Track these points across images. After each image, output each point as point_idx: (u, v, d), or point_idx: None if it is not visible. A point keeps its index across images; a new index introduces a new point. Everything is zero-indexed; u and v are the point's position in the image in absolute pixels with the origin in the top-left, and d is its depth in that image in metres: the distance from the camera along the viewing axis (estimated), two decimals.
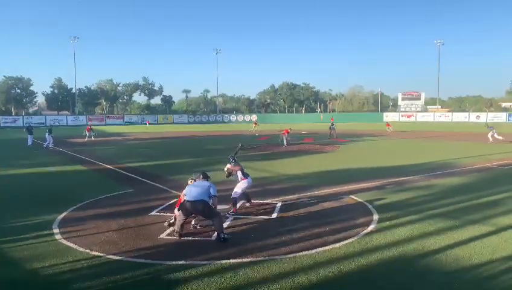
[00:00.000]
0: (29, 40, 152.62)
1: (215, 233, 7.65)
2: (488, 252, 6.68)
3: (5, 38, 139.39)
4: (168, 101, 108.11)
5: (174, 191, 11.72)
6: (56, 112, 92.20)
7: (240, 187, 9.63)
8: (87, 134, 34.19)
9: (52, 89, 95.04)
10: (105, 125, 70.54)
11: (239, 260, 6.39)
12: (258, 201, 10.41)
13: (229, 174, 9.93)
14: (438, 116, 78.58)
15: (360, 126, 49.86)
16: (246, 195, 9.94)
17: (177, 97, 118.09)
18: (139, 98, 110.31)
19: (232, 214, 9.14)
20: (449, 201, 10.41)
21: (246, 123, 77.45)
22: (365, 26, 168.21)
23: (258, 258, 6.46)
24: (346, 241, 7.23)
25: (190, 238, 7.59)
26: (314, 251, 6.77)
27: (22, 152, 25.30)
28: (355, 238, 7.44)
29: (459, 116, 76.70)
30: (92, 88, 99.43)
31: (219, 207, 9.70)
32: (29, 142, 29.58)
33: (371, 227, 8.11)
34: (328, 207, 9.85)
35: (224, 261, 6.34)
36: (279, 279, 5.66)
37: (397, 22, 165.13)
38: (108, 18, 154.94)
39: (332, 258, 6.47)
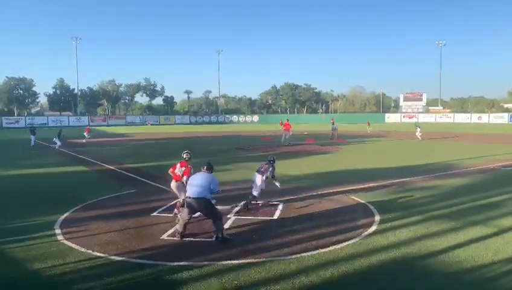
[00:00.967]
0: (31, 41, 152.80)
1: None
2: (490, 253, 6.66)
3: (7, 39, 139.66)
4: (169, 101, 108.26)
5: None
6: (58, 113, 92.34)
7: (261, 186, 10.12)
8: (87, 135, 34.36)
9: (54, 90, 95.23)
10: (107, 126, 70.66)
11: (241, 261, 6.39)
12: (259, 202, 10.41)
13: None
14: (440, 117, 78.46)
15: (362, 127, 49.76)
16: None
17: (179, 98, 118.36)
18: (141, 98, 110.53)
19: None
20: (451, 202, 10.39)
21: (247, 124, 77.51)
22: (366, 27, 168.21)
23: (259, 259, 6.45)
24: (348, 243, 7.22)
25: (191, 239, 7.60)
26: (316, 252, 6.76)
27: (24, 153, 25.37)
28: (357, 239, 7.44)
29: (461, 117, 76.59)
30: (94, 89, 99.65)
31: (219, 207, 9.72)
32: (32, 143, 29.64)
33: (373, 228, 8.11)
34: (330, 208, 9.85)
35: (225, 262, 6.34)
36: (281, 280, 5.66)
37: (398, 23, 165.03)
38: (110, 18, 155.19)
39: (334, 259, 6.46)
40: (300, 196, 11.15)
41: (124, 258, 6.59)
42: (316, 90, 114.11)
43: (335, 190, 11.90)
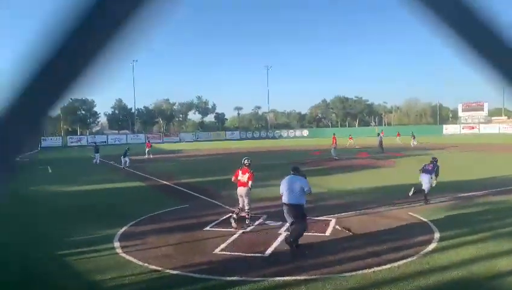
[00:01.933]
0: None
1: (269, 249, 7.67)
2: None
3: None
4: (220, 118, 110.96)
5: (228, 207, 11.87)
6: (117, 131, 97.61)
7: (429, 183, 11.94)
8: (148, 150, 35.49)
9: (113, 110, 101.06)
10: (162, 143, 73.49)
11: (293, 278, 6.31)
12: (311, 217, 10.26)
13: None
14: (504, 127, 73.42)
15: (417, 140, 47.71)
16: None
17: (229, 114, 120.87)
18: (194, 116, 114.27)
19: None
20: None
21: (297, 138, 77.21)
22: (420, 34, 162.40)
23: (312, 276, 6.34)
24: (405, 261, 6.90)
25: (244, 253, 7.63)
26: (371, 270, 6.52)
27: (86, 170, 26.96)
28: (415, 257, 7.08)
29: None
30: (150, 108, 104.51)
31: (271, 223, 9.71)
32: (97, 161, 30.83)
33: (432, 246, 7.69)
34: (385, 224, 9.48)
35: (277, 279, 6.29)
36: None
37: None
38: (163, 38, 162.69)
39: (390, 278, 6.19)
40: (354, 212, 10.85)
41: (178, 272, 6.75)
42: (367, 103, 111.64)
43: (390, 206, 11.47)
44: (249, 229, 9.37)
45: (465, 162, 24.70)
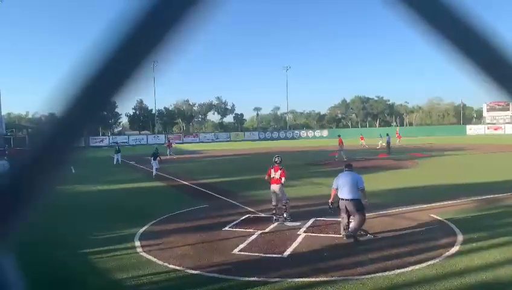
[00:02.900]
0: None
1: (288, 250, 7.66)
2: None
3: None
4: (239, 119, 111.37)
5: (247, 207, 11.91)
6: (138, 132, 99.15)
7: None
8: (169, 150, 35.91)
9: (134, 111, 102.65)
10: (182, 143, 74.26)
11: (312, 279, 6.28)
12: (330, 219, 10.18)
13: None
14: None
15: (440, 140, 46.79)
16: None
17: (248, 115, 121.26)
18: (213, 116, 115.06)
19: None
20: None
21: (316, 139, 76.72)
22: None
23: (331, 278, 6.28)
24: (427, 263, 6.76)
25: (262, 254, 7.63)
26: (392, 272, 6.42)
27: (107, 170, 27.47)
28: (437, 260, 6.93)
29: None
30: (170, 109, 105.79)
31: (290, 224, 9.68)
32: (119, 160, 31.26)
33: (455, 249, 7.51)
34: (407, 226, 9.32)
35: (296, 280, 6.27)
36: None
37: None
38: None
39: (411, 281, 6.08)
40: (374, 213, 10.70)
41: (198, 271, 6.80)
42: (388, 102, 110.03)
43: (413, 207, 11.26)
44: (267, 229, 9.36)
45: (488, 163, 24.05)
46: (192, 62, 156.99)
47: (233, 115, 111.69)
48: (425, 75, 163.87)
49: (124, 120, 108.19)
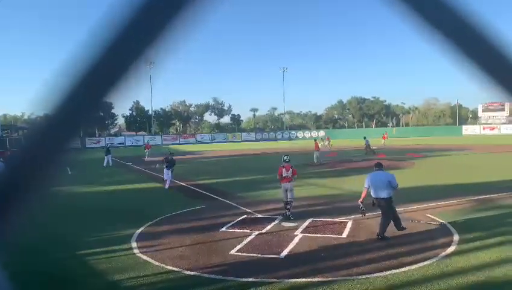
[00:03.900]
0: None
1: (285, 250, 7.67)
2: None
3: None
4: (236, 120, 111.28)
5: (243, 208, 11.91)
6: (134, 133, 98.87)
7: None
8: (147, 153, 35.00)
9: (130, 112, 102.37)
10: (178, 144, 74.14)
11: (309, 280, 6.28)
12: (327, 219, 10.20)
13: None
14: None
15: (437, 140, 46.97)
16: None
17: (245, 116, 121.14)
18: (210, 117, 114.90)
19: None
20: None
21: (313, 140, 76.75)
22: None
23: (328, 278, 6.29)
24: (424, 263, 6.78)
25: (259, 255, 7.63)
26: (388, 272, 6.44)
27: (104, 171, 27.38)
28: (434, 260, 6.96)
29: None
30: (166, 110, 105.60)
31: (287, 224, 9.69)
32: (110, 163, 30.33)
33: (451, 248, 7.54)
34: (404, 226, 9.33)
35: (293, 280, 6.27)
36: None
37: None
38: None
39: (408, 281, 6.10)
40: (371, 213, 10.71)
41: (195, 273, 6.79)
42: (385, 103, 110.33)
43: (409, 207, 11.29)
44: (264, 230, 9.37)
45: (484, 163, 24.16)
46: (189, 63, 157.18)
47: (230, 115, 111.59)
48: (421, 76, 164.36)
49: (121, 121, 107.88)
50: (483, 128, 75.50)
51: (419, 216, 10.24)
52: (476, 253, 7.27)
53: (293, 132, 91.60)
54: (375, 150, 33.16)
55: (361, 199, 8.94)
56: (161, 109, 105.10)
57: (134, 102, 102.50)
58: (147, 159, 33.96)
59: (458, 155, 30.15)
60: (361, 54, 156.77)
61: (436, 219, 9.91)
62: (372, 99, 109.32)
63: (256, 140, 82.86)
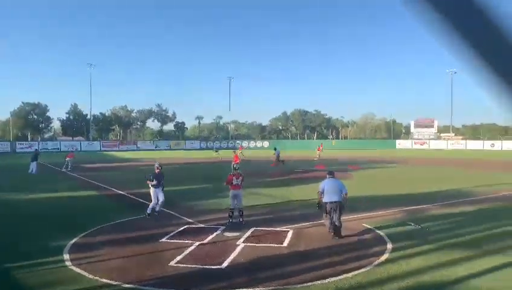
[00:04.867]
0: (46, 66, 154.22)
1: (226, 261, 7.62)
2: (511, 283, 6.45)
3: (23, 64, 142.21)
4: (180, 127, 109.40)
5: (185, 218, 11.70)
6: (71, 138, 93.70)
7: None
8: (70, 162, 29.98)
9: (67, 115, 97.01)
10: (118, 151, 71.37)
11: None
12: (269, 229, 10.30)
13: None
14: (452, 143, 77.73)
15: (373, 153, 49.48)
16: None
17: (190, 123, 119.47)
18: (152, 124, 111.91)
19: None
20: (465, 231, 10.15)
21: (258, 149, 77.66)
22: (375, 54, 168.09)
23: (268, 288, 6.34)
24: (359, 271, 7.07)
25: (200, 266, 7.51)
26: (326, 280, 6.62)
27: (35, 177, 25.59)
28: (368, 267, 7.27)
29: (474, 144, 75.68)
30: (106, 114, 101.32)
31: (229, 234, 9.65)
32: (33, 171, 27.11)
33: (385, 256, 7.94)
34: (343, 235, 9.68)
35: None
36: None
37: (408, 50, 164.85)
38: (123, 45, 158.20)
39: (344, 287, 6.32)
40: (311, 223, 11.00)
41: (132, 285, 6.52)
42: (326, 117, 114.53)
43: (346, 217, 11.70)
44: (206, 240, 9.25)
45: (415, 175, 25.82)
46: (132, 67, 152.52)
47: (174, 123, 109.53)
48: (360, 91, 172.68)
49: (56, 125, 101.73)
50: (415, 143, 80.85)
51: (356, 225, 10.67)
52: (407, 260, 7.71)
53: (238, 141, 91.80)
54: (284, 162, 33.47)
55: (318, 201, 9.95)
56: (100, 113, 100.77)
57: (71, 105, 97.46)
58: (64, 169, 29.13)
59: (392, 168, 31.96)
60: (303, 68, 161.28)
61: (372, 228, 10.39)
62: (314, 112, 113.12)
63: (201, 148, 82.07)
